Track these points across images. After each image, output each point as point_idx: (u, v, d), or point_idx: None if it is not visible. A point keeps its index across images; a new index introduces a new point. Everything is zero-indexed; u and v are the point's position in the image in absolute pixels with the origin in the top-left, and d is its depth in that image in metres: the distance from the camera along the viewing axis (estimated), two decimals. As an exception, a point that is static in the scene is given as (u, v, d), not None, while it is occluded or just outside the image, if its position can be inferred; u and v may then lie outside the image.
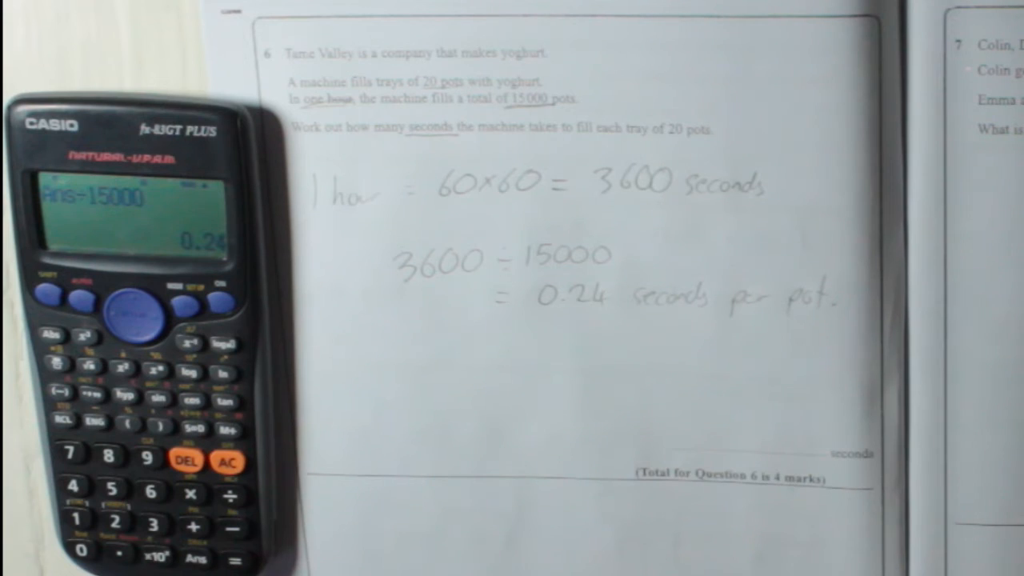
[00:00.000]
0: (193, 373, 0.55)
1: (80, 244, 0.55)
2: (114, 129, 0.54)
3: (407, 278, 0.56)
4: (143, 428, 0.56)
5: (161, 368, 0.56)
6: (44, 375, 0.56)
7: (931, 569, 0.56)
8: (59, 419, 0.57)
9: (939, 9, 0.52)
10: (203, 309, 0.55)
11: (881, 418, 0.55)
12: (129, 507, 0.57)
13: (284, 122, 0.55)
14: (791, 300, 0.55)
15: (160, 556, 0.58)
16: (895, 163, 0.53)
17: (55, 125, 0.54)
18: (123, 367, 0.56)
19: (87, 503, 0.57)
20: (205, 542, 0.57)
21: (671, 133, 0.54)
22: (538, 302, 0.56)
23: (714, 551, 0.57)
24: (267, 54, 0.54)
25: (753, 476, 0.56)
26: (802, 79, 0.53)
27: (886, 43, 0.53)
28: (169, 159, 0.54)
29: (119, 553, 0.58)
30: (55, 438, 0.57)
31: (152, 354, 0.56)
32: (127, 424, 0.56)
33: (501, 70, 0.54)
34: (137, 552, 0.58)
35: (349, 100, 0.55)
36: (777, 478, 0.56)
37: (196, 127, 0.53)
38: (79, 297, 0.55)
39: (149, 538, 0.57)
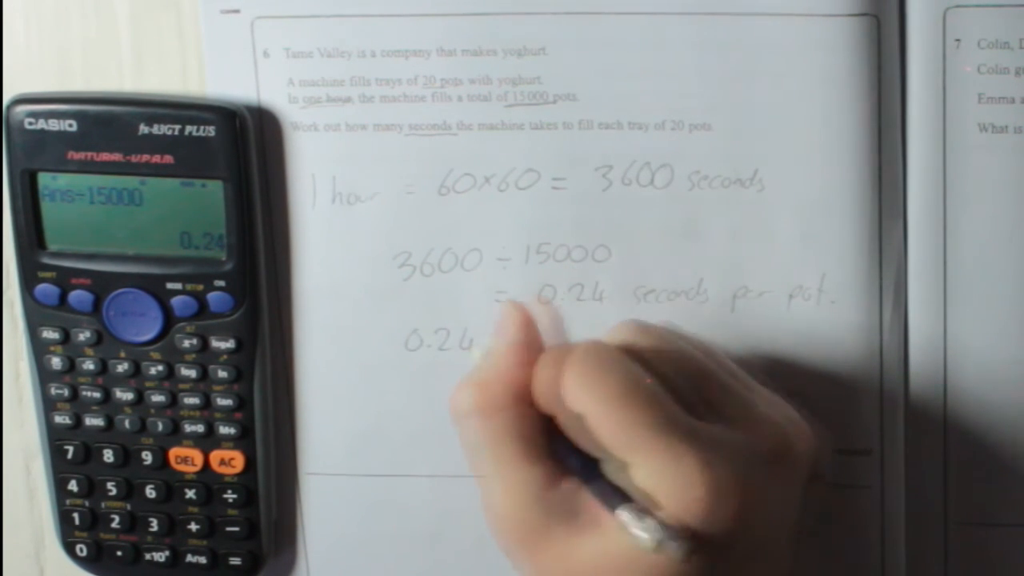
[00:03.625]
0: (192, 373, 0.55)
1: (79, 244, 0.55)
2: (113, 129, 0.54)
3: (406, 277, 0.56)
4: (143, 428, 0.56)
5: (160, 368, 0.56)
6: (44, 375, 0.56)
7: (931, 568, 0.56)
8: (59, 419, 0.57)
9: (938, 8, 0.52)
10: (202, 309, 0.55)
11: (880, 416, 0.55)
12: (129, 507, 0.57)
13: (283, 122, 0.55)
14: (791, 296, 0.55)
15: (160, 556, 0.58)
16: (895, 161, 0.53)
17: (54, 125, 0.54)
18: (123, 367, 0.56)
19: (87, 503, 0.57)
20: (205, 542, 0.57)
21: (673, 130, 0.54)
22: (537, 301, 0.56)
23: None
24: (266, 54, 0.54)
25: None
26: (802, 77, 0.53)
27: (885, 42, 0.53)
28: (168, 159, 0.54)
29: (119, 553, 0.58)
30: (55, 438, 0.57)
31: (151, 354, 0.56)
32: (127, 424, 0.56)
33: (501, 69, 0.54)
34: (137, 552, 0.58)
35: (348, 100, 0.55)
36: (777, 476, 0.56)
37: (195, 127, 0.53)
38: (78, 297, 0.55)
39: (149, 538, 0.57)
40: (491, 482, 0.49)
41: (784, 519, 0.49)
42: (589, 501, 0.47)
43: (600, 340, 0.50)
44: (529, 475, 0.48)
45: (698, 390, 0.49)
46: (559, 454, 0.49)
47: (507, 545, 0.49)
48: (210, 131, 0.53)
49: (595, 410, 0.47)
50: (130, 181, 0.54)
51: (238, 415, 0.56)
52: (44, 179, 0.54)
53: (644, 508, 0.45)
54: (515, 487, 0.48)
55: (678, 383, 0.49)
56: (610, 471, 0.47)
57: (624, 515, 0.45)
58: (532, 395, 0.49)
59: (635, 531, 0.45)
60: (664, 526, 0.45)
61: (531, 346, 0.50)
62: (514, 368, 0.49)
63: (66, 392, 0.56)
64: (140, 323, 0.55)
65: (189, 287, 0.55)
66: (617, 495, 0.46)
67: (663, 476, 0.46)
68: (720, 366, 0.51)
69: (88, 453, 0.57)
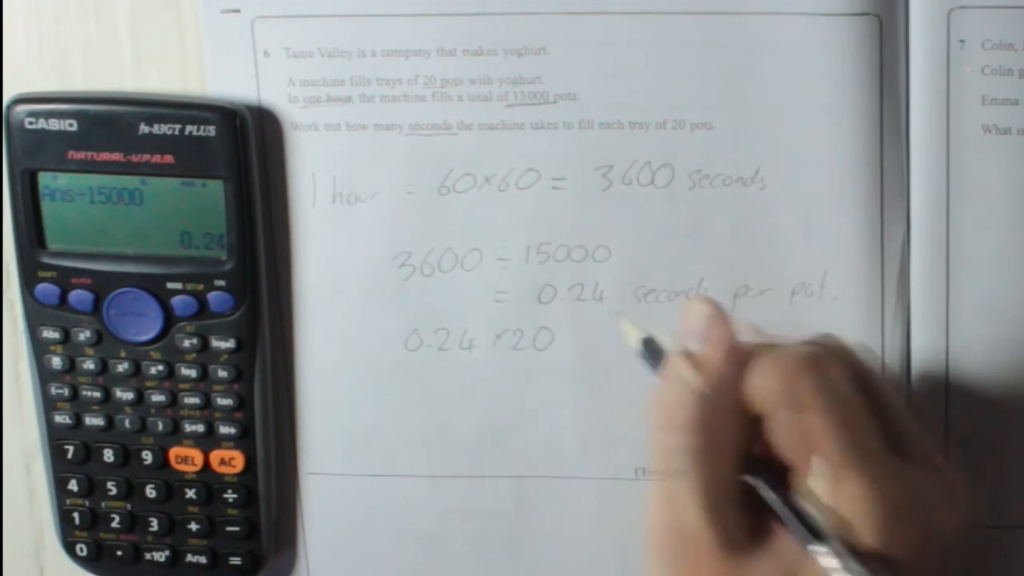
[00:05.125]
0: (193, 373, 0.56)
1: (79, 244, 0.55)
2: (113, 129, 0.54)
3: (406, 277, 0.56)
4: (143, 428, 0.56)
5: (161, 368, 0.56)
6: (44, 375, 0.56)
7: (932, 570, 0.56)
8: (59, 419, 0.57)
9: (942, 9, 0.52)
10: (202, 308, 0.55)
11: (882, 417, 0.55)
12: (129, 507, 0.57)
13: (283, 122, 0.55)
14: (793, 294, 0.55)
15: (160, 556, 0.58)
16: (897, 160, 0.53)
17: (54, 125, 0.54)
18: (123, 367, 0.56)
19: (87, 503, 0.57)
20: (205, 542, 0.57)
21: (673, 129, 0.54)
22: (538, 301, 0.56)
23: (714, 551, 0.57)
24: (266, 54, 0.54)
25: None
26: (804, 76, 0.53)
27: (888, 42, 0.53)
28: (168, 159, 0.54)
29: (119, 553, 0.58)
30: (55, 438, 0.57)
31: (152, 354, 0.56)
32: (127, 424, 0.56)
33: (502, 68, 0.54)
34: (137, 552, 0.58)
35: (348, 99, 0.54)
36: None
37: (195, 127, 0.53)
38: (79, 297, 0.55)
39: (149, 538, 0.57)
40: (681, 498, 0.46)
41: (949, 570, 0.47)
42: (770, 523, 0.45)
43: (820, 344, 0.47)
44: (725, 493, 0.45)
45: (892, 426, 0.47)
46: (755, 472, 0.46)
47: (670, 559, 0.46)
48: (210, 131, 0.53)
49: (821, 420, 0.44)
50: (130, 181, 0.54)
51: (238, 415, 0.56)
52: (44, 179, 0.54)
53: (843, 546, 0.44)
54: (709, 503, 0.45)
55: (879, 412, 0.47)
56: (803, 491, 0.45)
57: (823, 557, 0.44)
58: (740, 399, 0.46)
59: (830, 568, 0.43)
60: (864, 569, 0.43)
61: (735, 345, 0.47)
62: (727, 371, 0.46)
63: (66, 392, 0.56)
64: (140, 323, 0.55)
65: (189, 287, 0.55)
66: (818, 528, 0.44)
67: (869, 505, 0.44)
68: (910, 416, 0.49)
69: (88, 453, 0.57)
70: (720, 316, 0.47)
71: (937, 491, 0.46)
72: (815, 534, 0.44)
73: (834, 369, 0.46)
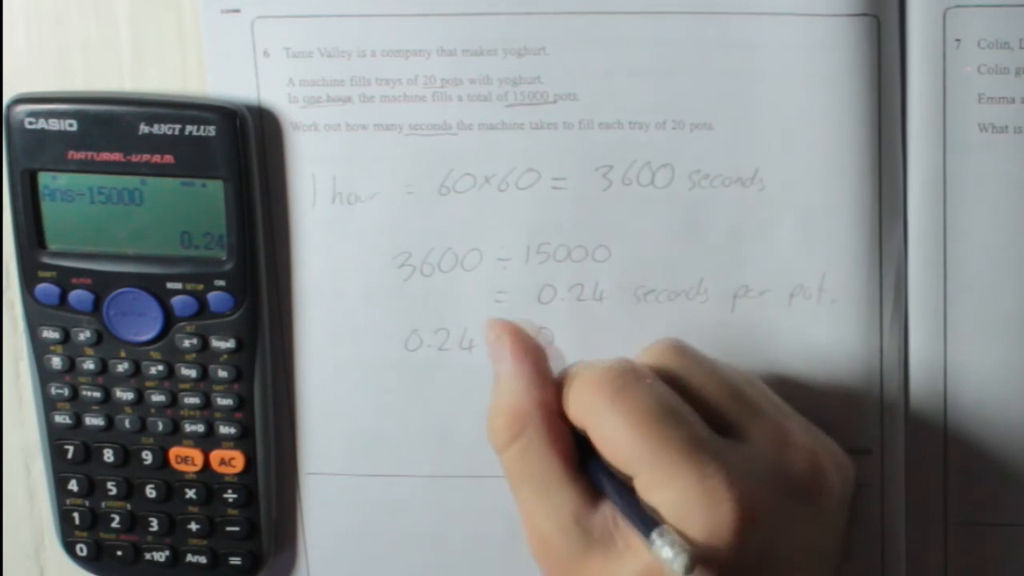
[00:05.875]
0: (192, 373, 0.55)
1: (79, 244, 0.55)
2: (113, 129, 0.54)
3: (406, 277, 0.56)
4: (143, 428, 0.56)
5: (161, 368, 0.56)
6: (44, 375, 0.56)
7: (931, 568, 0.56)
8: (59, 419, 0.57)
9: (938, 8, 0.52)
10: (202, 309, 0.55)
11: (880, 415, 0.55)
12: (129, 507, 0.57)
13: (283, 122, 0.55)
14: (792, 296, 0.55)
15: (160, 556, 0.58)
16: (895, 161, 0.53)
17: (54, 125, 0.54)
18: (123, 367, 0.56)
19: (87, 503, 0.57)
20: (205, 542, 0.57)
21: (673, 129, 0.54)
22: (537, 301, 0.56)
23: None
24: (266, 54, 0.54)
25: (753, 474, 0.56)
26: (803, 77, 0.53)
27: (886, 42, 0.53)
28: (168, 159, 0.54)
29: (119, 553, 0.58)
30: (55, 438, 0.57)
31: (151, 354, 0.56)
32: (127, 424, 0.56)
33: (501, 68, 0.54)
34: (137, 552, 0.58)
35: (348, 99, 0.55)
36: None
37: (195, 127, 0.53)
38: (78, 297, 0.55)
39: (149, 538, 0.57)
40: (531, 506, 0.49)
41: (817, 547, 0.48)
42: (624, 525, 0.47)
43: (629, 359, 0.50)
44: (567, 496, 0.48)
45: (731, 414, 0.49)
46: (593, 475, 0.49)
47: (547, 570, 0.49)
48: (210, 131, 0.53)
49: (622, 429, 0.47)
50: (130, 181, 0.54)
51: (238, 415, 0.56)
52: (44, 179, 0.54)
53: (675, 532, 0.45)
54: (554, 509, 0.48)
55: (709, 405, 0.49)
56: (642, 492, 0.47)
57: (656, 540, 0.45)
58: (563, 412, 0.49)
59: (665, 556, 0.45)
60: (693, 550, 0.44)
61: (538, 359, 0.50)
62: (533, 388, 0.50)
63: (66, 392, 0.56)
64: (140, 323, 0.55)
65: (189, 287, 0.55)
66: (650, 518, 0.46)
67: (690, 496, 0.46)
68: (756, 391, 0.51)
69: (88, 453, 0.57)
70: (511, 337, 0.51)
71: (783, 467, 0.48)
72: (651, 525, 0.46)
73: (628, 379, 0.48)
